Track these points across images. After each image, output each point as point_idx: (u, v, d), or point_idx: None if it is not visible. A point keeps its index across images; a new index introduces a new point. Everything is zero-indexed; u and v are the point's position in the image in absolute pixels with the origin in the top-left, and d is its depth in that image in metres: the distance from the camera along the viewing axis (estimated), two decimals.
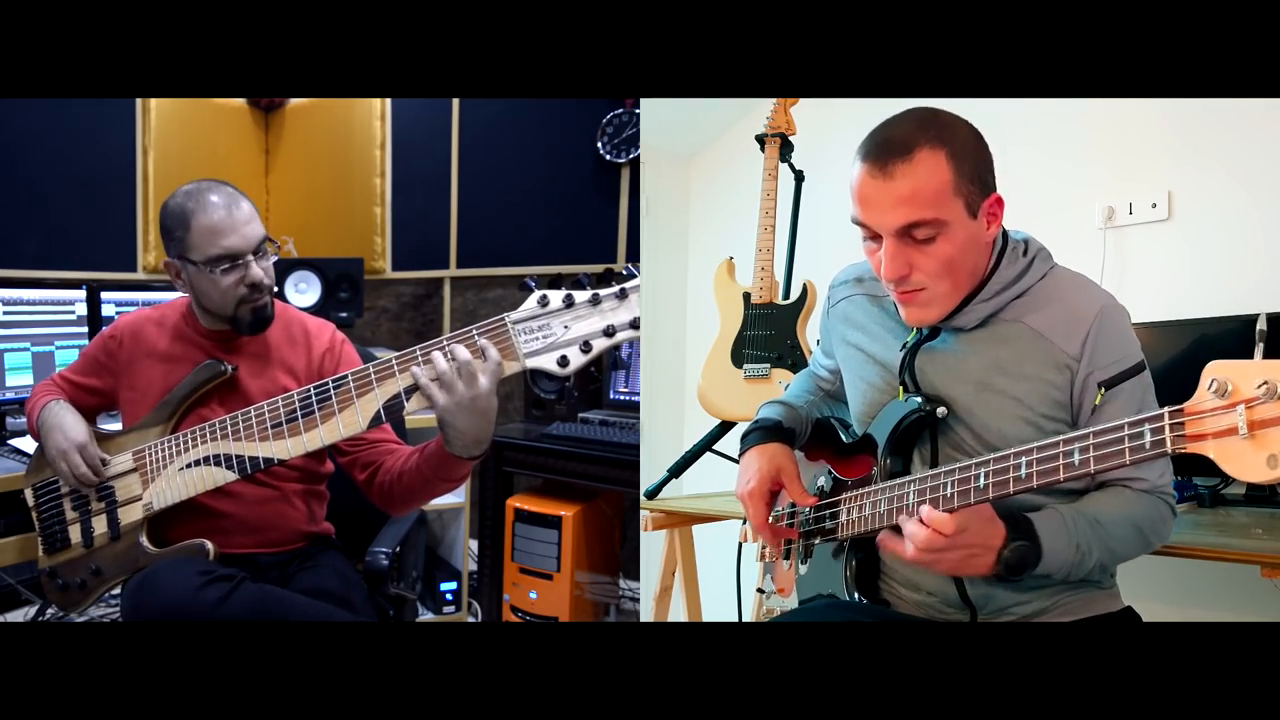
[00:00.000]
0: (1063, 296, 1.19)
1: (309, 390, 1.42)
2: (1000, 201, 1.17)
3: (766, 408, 1.46)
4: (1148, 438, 0.88)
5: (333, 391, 1.40)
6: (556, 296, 1.28)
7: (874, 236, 1.17)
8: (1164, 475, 1.19)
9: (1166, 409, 0.87)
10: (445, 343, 1.32)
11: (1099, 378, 1.15)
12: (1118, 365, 1.15)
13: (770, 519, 1.37)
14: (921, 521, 1.07)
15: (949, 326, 1.22)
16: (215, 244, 1.49)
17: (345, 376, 1.40)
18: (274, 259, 1.58)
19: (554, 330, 1.28)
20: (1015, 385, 1.17)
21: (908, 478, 1.16)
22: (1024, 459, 1.01)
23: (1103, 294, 1.19)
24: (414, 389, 1.35)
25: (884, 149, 1.13)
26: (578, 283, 1.29)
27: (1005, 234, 1.23)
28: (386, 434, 1.62)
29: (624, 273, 1.28)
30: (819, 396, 1.52)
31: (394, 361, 1.36)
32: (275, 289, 1.59)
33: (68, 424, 1.56)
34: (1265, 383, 0.80)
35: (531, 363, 1.28)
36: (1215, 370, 0.84)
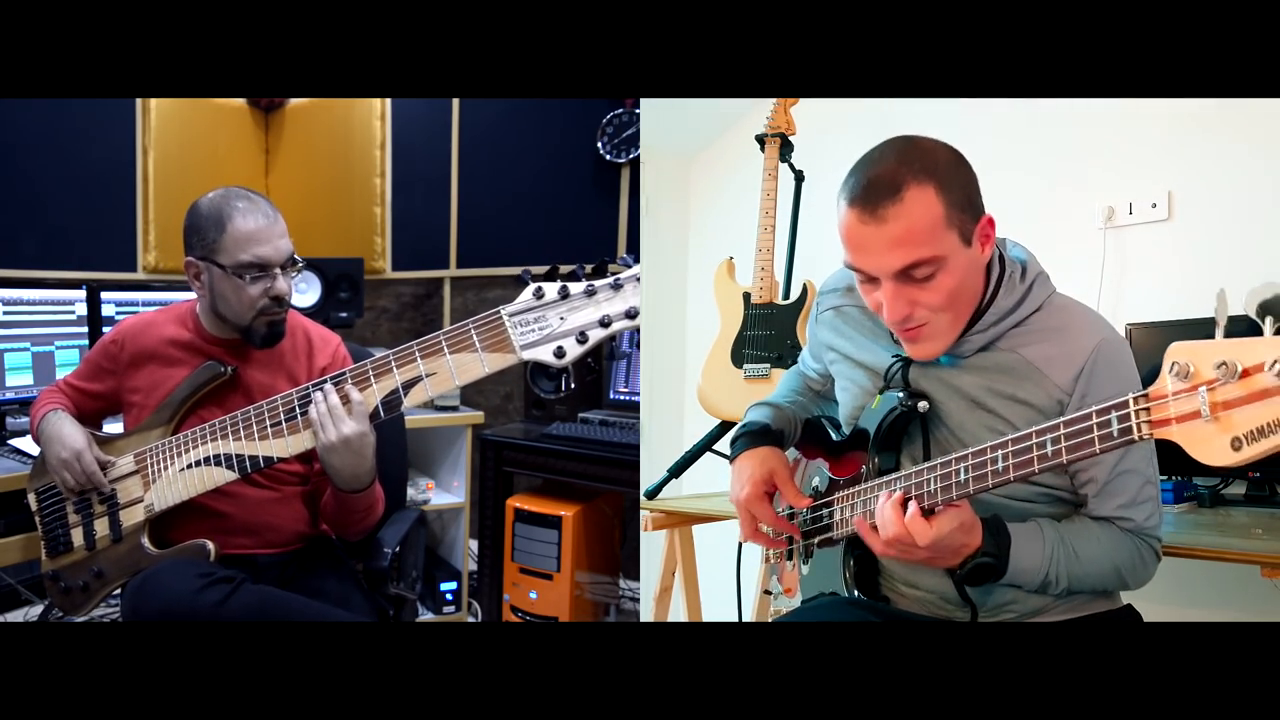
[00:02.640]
0: (1060, 328, 1.16)
1: (307, 388, 1.42)
2: (992, 222, 1.14)
3: (753, 410, 1.46)
4: (1115, 425, 0.88)
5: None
6: (552, 288, 1.28)
7: (871, 279, 1.14)
8: (1150, 518, 1.18)
9: (1131, 394, 0.87)
10: (324, 387, 1.40)
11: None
12: (1111, 400, 1.13)
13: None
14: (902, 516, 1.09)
15: (946, 352, 1.20)
16: (249, 251, 1.49)
17: (344, 373, 1.40)
18: (297, 277, 1.59)
19: (550, 322, 1.28)
20: (1006, 408, 1.16)
21: (894, 475, 1.16)
22: (1000, 452, 1.01)
23: (1102, 326, 1.16)
24: (412, 384, 1.35)
25: (871, 191, 1.08)
26: (573, 274, 1.30)
27: (1003, 256, 1.20)
28: None
29: (620, 263, 1.29)
30: (808, 396, 1.52)
31: (391, 357, 1.37)
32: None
33: (66, 433, 1.56)
34: (1224, 363, 0.79)
35: (527, 354, 1.29)
36: (1176, 353, 0.83)
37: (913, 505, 1.09)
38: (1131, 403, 0.86)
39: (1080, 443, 0.92)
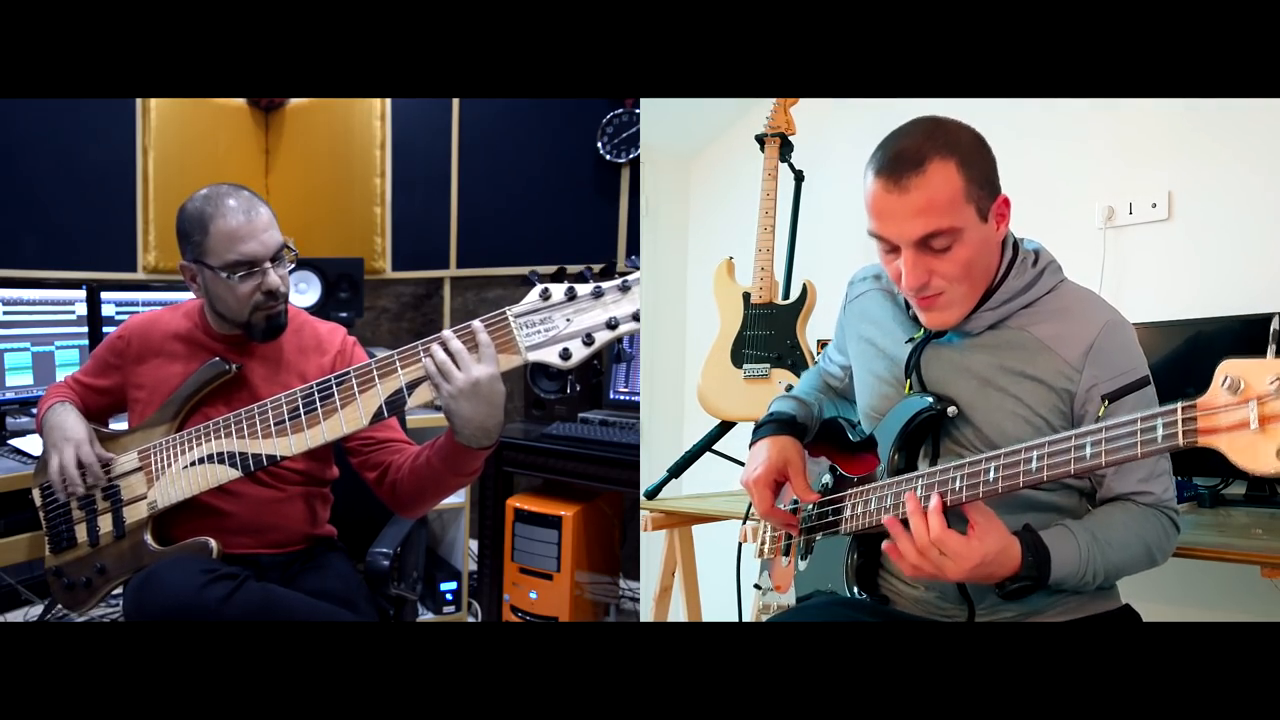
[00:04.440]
0: (1069, 309, 1.20)
1: (311, 387, 1.42)
2: (1007, 202, 1.19)
3: (781, 401, 1.48)
4: (1160, 431, 0.89)
5: (335, 388, 1.40)
6: (559, 290, 1.28)
7: (892, 248, 1.18)
8: (1168, 490, 1.20)
9: (1180, 403, 0.88)
10: (443, 335, 1.32)
11: (1102, 390, 1.15)
12: (1122, 379, 1.16)
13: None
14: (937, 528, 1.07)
15: (957, 329, 1.24)
16: (234, 250, 1.49)
17: (348, 373, 1.40)
18: (291, 266, 1.58)
19: (556, 323, 1.28)
20: (1018, 385, 1.19)
21: (914, 473, 1.17)
22: (1035, 453, 1.02)
23: (1108, 309, 1.20)
24: (415, 384, 1.35)
25: (896, 163, 1.14)
26: (580, 276, 1.29)
27: (1016, 244, 1.24)
28: (396, 433, 1.62)
29: (628, 264, 1.28)
30: (828, 395, 1.54)
31: (396, 357, 1.36)
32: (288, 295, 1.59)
33: (68, 424, 1.57)
34: (1277, 379, 0.81)
35: (533, 355, 1.28)
36: (1229, 368, 0.85)
37: (935, 499, 1.09)
38: (1180, 411, 0.88)
39: (1121, 446, 0.92)
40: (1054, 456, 0.99)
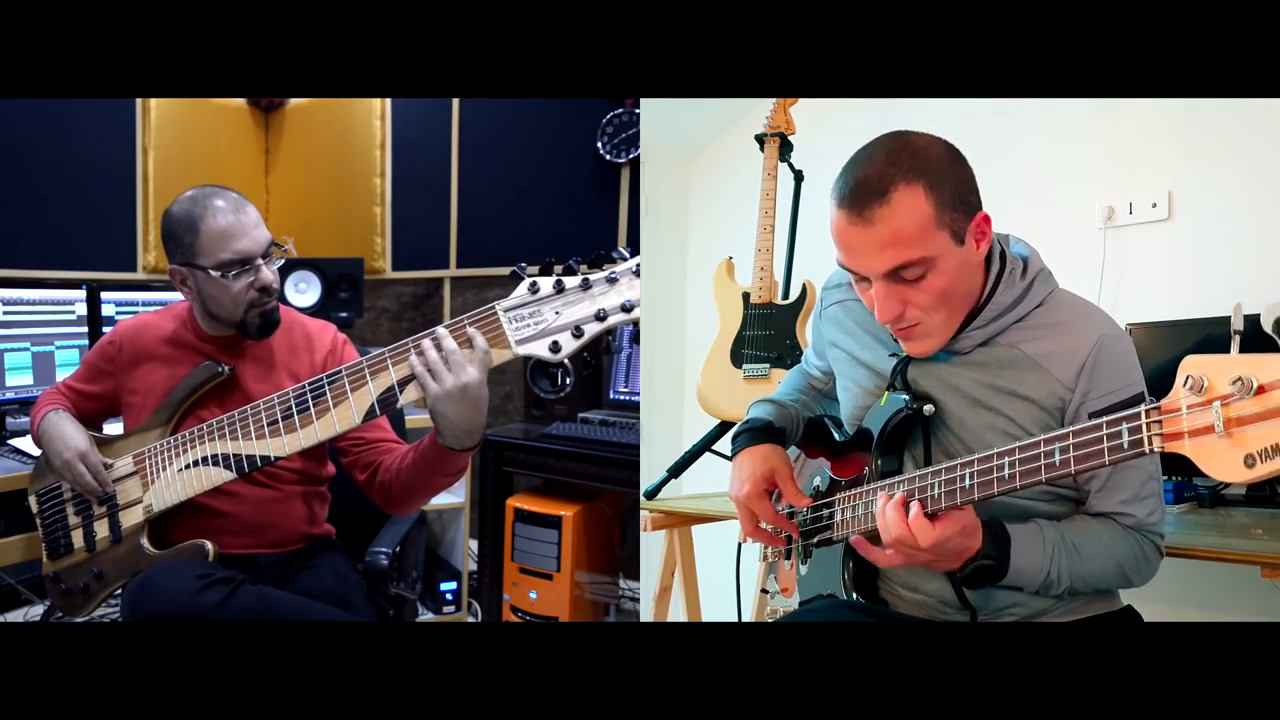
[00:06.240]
0: (1064, 324, 1.16)
1: (304, 386, 1.42)
2: (987, 219, 1.13)
3: (756, 407, 1.46)
4: (1125, 437, 0.87)
5: (327, 387, 1.40)
6: (547, 283, 1.28)
7: (864, 278, 1.15)
8: (1153, 514, 1.17)
9: (1143, 407, 0.86)
10: (436, 333, 1.33)
11: (1090, 408, 1.11)
12: (1112, 396, 1.11)
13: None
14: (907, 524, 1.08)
15: (945, 347, 1.19)
16: (226, 248, 1.49)
17: (339, 371, 1.40)
18: (280, 262, 1.58)
19: (545, 316, 1.28)
20: (1008, 404, 1.16)
21: (898, 478, 1.16)
22: (1007, 459, 1.01)
23: (1104, 322, 1.16)
24: (407, 381, 1.35)
25: (859, 193, 1.08)
26: (569, 268, 1.29)
27: (1004, 252, 1.19)
28: (385, 433, 1.62)
29: (615, 255, 1.28)
30: (811, 395, 1.52)
31: (387, 355, 1.37)
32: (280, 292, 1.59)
33: (67, 433, 1.56)
34: (1240, 379, 0.78)
35: (523, 350, 1.28)
36: (1190, 366, 0.82)
37: (915, 506, 1.08)
38: (1143, 415, 0.85)
39: (1089, 453, 0.91)
40: (1025, 463, 0.98)
